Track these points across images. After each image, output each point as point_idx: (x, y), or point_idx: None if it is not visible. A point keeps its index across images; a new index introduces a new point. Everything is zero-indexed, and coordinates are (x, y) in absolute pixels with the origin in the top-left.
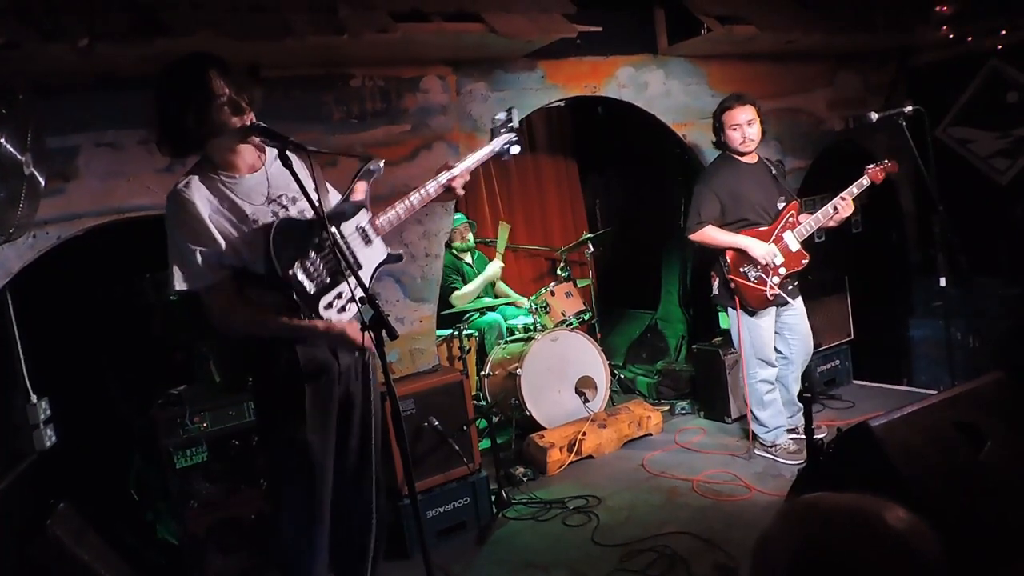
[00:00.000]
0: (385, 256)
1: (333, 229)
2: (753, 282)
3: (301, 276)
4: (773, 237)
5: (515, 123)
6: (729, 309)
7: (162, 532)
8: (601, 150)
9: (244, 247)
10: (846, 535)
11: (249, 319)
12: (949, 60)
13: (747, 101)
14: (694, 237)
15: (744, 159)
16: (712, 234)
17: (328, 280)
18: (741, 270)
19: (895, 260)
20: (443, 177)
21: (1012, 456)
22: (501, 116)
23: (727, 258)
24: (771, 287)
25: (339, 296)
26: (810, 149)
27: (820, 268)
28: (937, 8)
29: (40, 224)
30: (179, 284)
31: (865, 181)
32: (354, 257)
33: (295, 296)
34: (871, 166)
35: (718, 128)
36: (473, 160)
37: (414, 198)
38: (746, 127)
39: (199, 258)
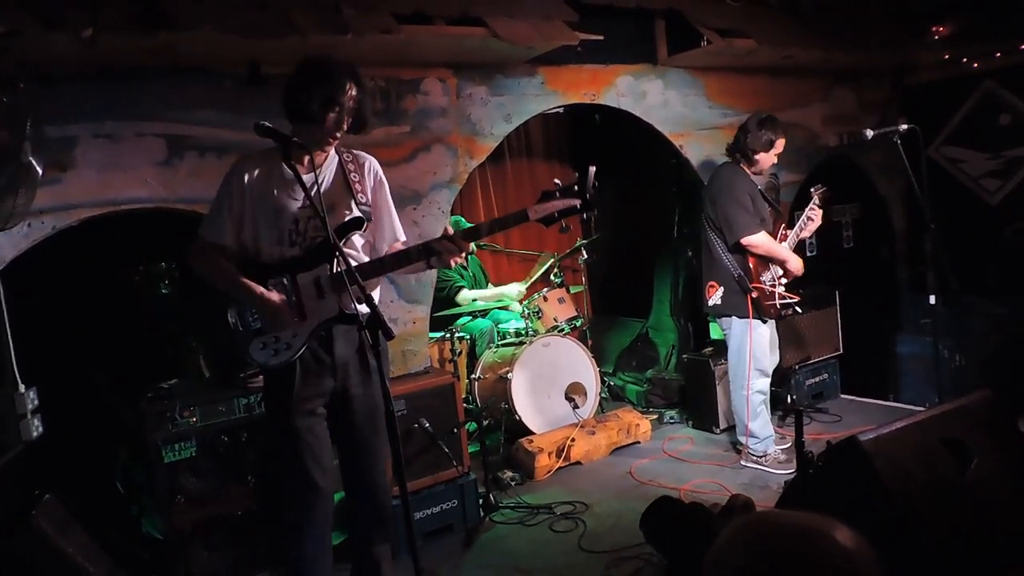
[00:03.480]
0: (336, 314)
1: (284, 280)
2: (768, 291)
3: (232, 319)
4: None
5: (589, 187)
6: (735, 319)
7: (147, 527)
8: (597, 158)
9: (256, 230)
10: (794, 553)
11: (216, 273)
12: (944, 80)
13: None
14: (752, 240)
15: (749, 173)
16: (767, 241)
17: (259, 325)
18: (762, 278)
19: (885, 277)
20: (436, 243)
21: (998, 474)
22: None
23: (750, 265)
24: (779, 296)
25: (276, 339)
26: (804, 163)
27: (811, 282)
28: (933, 29)
29: (36, 213)
30: (206, 233)
31: (817, 200)
32: (299, 307)
33: (231, 324)
34: (814, 188)
35: (764, 146)
36: (487, 231)
37: (387, 259)
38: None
39: (227, 219)
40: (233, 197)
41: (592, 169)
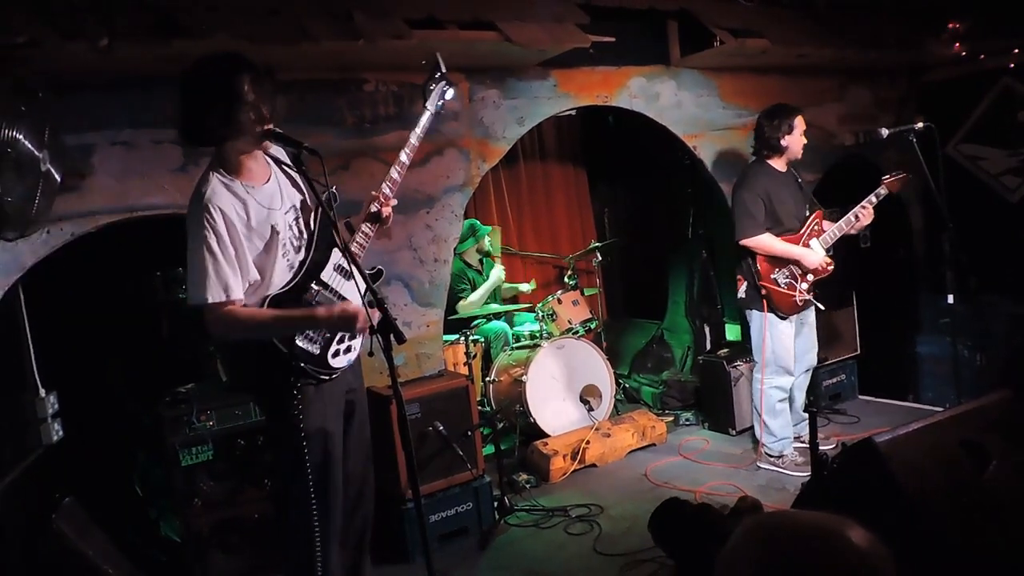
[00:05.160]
0: (367, 281)
1: (318, 286)
2: (783, 288)
3: (304, 344)
4: (801, 243)
5: (441, 68)
6: (754, 312)
7: (165, 529)
8: (610, 159)
9: (263, 254)
10: (809, 552)
11: (252, 325)
12: (961, 77)
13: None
14: (750, 243)
15: (778, 167)
16: (768, 242)
17: (328, 334)
18: (772, 276)
19: (903, 276)
20: (373, 206)
21: (1016, 475)
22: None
23: (758, 265)
24: (800, 292)
25: (340, 341)
26: (820, 163)
27: (828, 282)
28: (950, 25)
29: (55, 220)
30: (215, 296)
31: (883, 191)
32: (341, 298)
33: (303, 364)
34: (887, 176)
35: (784, 131)
36: (398, 170)
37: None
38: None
39: (235, 267)
40: (223, 241)
41: (438, 55)
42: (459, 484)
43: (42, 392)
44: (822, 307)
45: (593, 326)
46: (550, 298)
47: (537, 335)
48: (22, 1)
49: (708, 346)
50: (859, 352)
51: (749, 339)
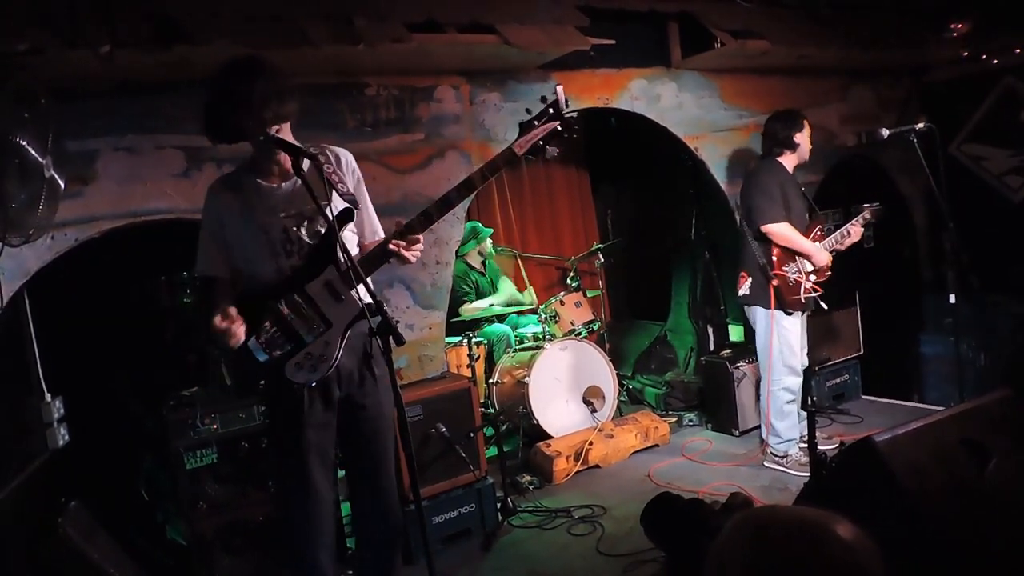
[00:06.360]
0: (359, 311)
1: (296, 296)
2: (792, 282)
3: (252, 346)
4: None
5: (562, 105)
6: (759, 310)
7: (171, 532)
8: (613, 161)
9: (245, 251)
10: (796, 547)
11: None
12: (963, 77)
13: None
14: (772, 228)
15: (788, 168)
16: (789, 231)
17: (290, 347)
18: (784, 268)
19: (906, 276)
20: (391, 242)
21: (1017, 473)
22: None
23: (774, 255)
24: (804, 290)
25: (308, 356)
26: (822, 164)
27: (831, 282)
28: (951, 25)
29: (58, 226)
30: (198, 269)
31: (868, 214)
32: (321, 316)
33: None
34: (866, 206)
35: (797, 128)
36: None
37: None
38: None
39: (212, 249)
40: (212, 227)
41: (560, 88)
42: (462, 486)
43: (48, 397)
44: (825, 306)
45: (596, 327)
46: (553, 300)
47: (540, 337)
48: (24, 8)
49: (711, 347)
50: (862, 352)
51: (753, 339)
